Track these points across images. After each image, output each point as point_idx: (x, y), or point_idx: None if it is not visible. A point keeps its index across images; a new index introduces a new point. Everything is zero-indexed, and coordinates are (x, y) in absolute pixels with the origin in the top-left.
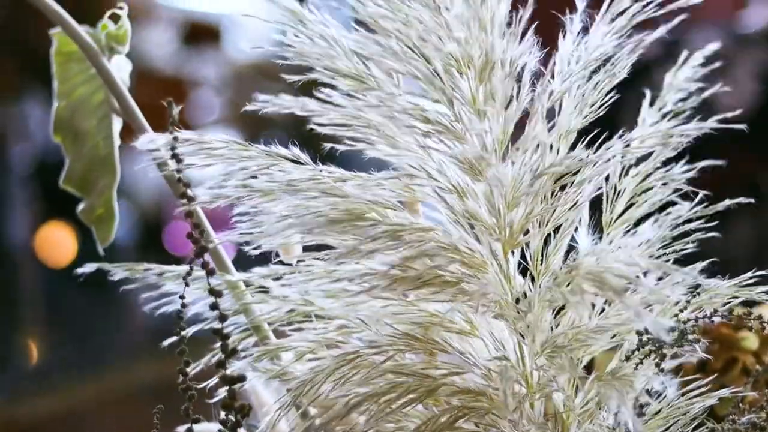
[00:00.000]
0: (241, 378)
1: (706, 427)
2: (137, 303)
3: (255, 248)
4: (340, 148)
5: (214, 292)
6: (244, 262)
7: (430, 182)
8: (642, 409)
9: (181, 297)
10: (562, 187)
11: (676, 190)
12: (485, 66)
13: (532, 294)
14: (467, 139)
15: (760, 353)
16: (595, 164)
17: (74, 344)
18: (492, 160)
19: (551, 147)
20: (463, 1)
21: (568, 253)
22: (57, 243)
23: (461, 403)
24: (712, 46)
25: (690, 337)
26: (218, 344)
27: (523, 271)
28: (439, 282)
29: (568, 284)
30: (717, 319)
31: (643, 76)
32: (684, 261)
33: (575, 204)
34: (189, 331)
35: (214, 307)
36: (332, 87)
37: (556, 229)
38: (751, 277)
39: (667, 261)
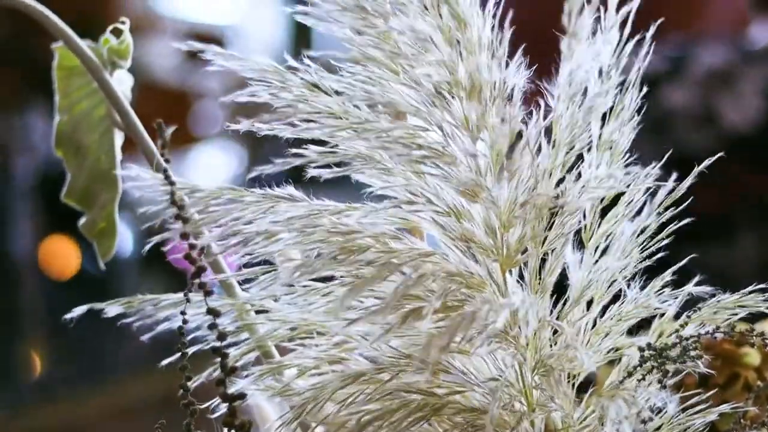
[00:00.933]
0: (241, 396)
1: None
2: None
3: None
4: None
5: (212, 312)
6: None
7: (429, 206)
8: (644, 425)
9: (182, 313)
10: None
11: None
12: (474, 88)
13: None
14: (461, 162)
15: (762, 369)
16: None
17: (77, 357)
18: (486, 183)
19: (547, 170)
20: (449, 24)
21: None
22: (60, 256)
23: (465, 421)
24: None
25: (692, 353)
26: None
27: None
28: (441, 308)
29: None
30: (719, 335)
31: (650, 92)
32: (686, 276)
33: (572, 221)
34: (190, 351)
35: (212, 326)
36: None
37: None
38: (752, 291)
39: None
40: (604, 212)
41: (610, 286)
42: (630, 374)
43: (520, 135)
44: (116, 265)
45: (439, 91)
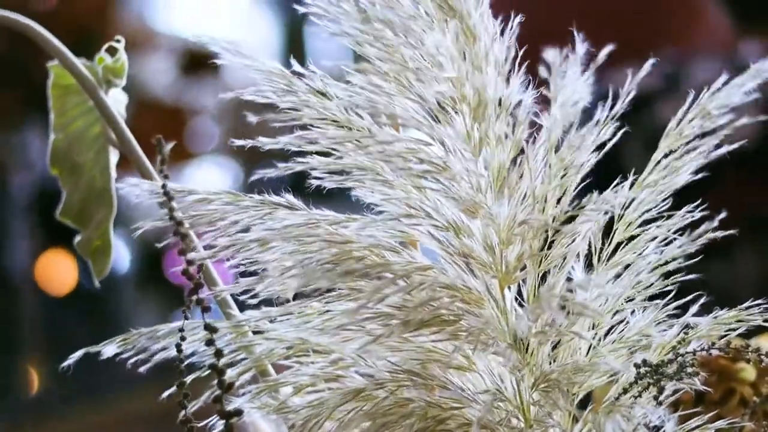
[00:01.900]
0: (238, 413)
1: None
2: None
3: (252, 297)
4: (331, 186)
5: (209, 328)
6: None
7: (427, 221)
8: None
9: (181, 329)
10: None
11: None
12: (479, 105)
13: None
14: (462, 178)
15: (757, 384)
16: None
17: (75, 373)
18: (486, 200)
19: (547, 189)
20: (457, 40)
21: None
22: (57, 271)
23: None
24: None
25: (689, 369)
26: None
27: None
28: (438, 321)
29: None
30: (715, 352)
31: (645, 108)
32: (684, 293)
33: (572, 241)
34: (187, 371)
35: (210, 342)
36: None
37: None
38: (748, 307)
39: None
40: (607, 231)
41: (615, 314)
42: (626, 391)
43: (521, 152)
44: (114, 280)
45: (442, 106)
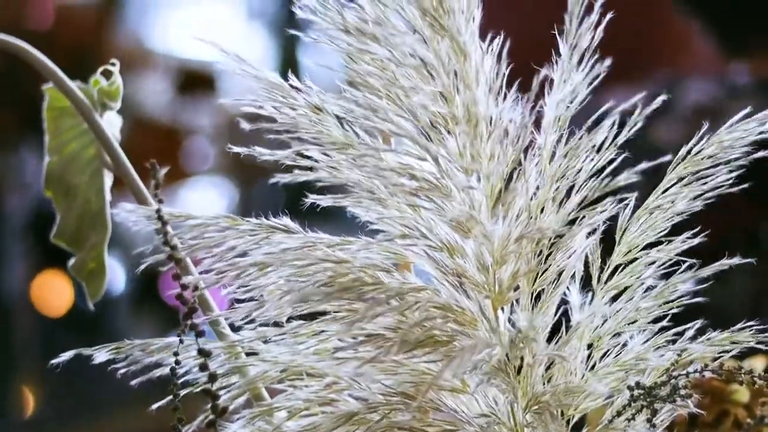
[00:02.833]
0: None
1: None
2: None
3: (249, 322)
4: (327, 204)
5: (203, 353)
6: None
7: (422, 241)
8: None
9: (176, 353)
10: (553, 244)
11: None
12: (470, 122)
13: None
14: (455, 196)
15: (751, 406)
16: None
17: (70, 394)
18: (479, 218)
19: (541, 205)
20: (448, 58)
21: (558, 308)
22: (53, 292)
23: None
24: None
25: (682, 391)
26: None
27: None
28: (432, 342)
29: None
30: (708, 373)
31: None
32: (680, 314)
33: (568, 257)
34: (182, 393)
35: (203, 367)
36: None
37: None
38: (742, 328)
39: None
40: (605, 251)
41: (614, 336)
42: (620, 413)
43: (515, 169)
44: (109, 301)
45: (434, 124)
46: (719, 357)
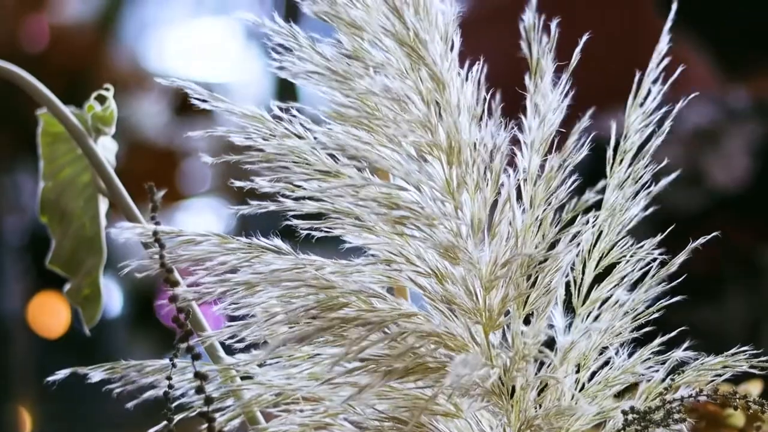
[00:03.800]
0: None
1: None
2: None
3: (239, 341)
4: (317, 234)
5: (199, 376)
6: None
7: (409, 267)
8: None
9: (168, 378)
10: (541, 263)
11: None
12: (452, 150)
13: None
14: (441, 224)
15: (746, 430)
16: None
17: (67, 415)
18: (465, 245)
19: (528, 229)
20: (428, 86)
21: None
22: (50, 314)
23: None
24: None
25: (676, 416)
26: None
27: None
28: (423, 369)
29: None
30: (703, 398)
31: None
32: (675, 338)
33: (551, 285)
34: (177, 417)
35: (199, 390)
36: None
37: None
38: (736, 353)
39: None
40: (596, 278)
41: (601, 353)
42: None
43: (499, 193)
44: (106, 323)
45: (419, 153)
46: (713, 381)
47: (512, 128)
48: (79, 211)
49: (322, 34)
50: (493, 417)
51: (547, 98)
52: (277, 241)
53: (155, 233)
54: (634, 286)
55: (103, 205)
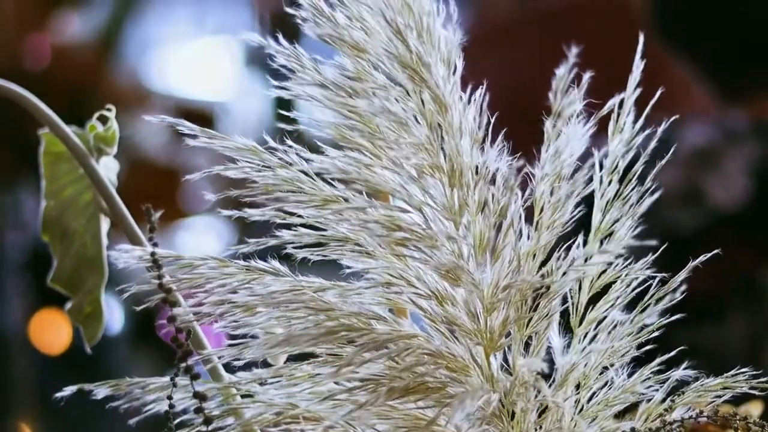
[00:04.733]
0: None
1: None
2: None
3: (238, 360)
4: (314, 258)
5: (199, 396)
6: None
7: (408, 289)
8: None
9: (169, 398)
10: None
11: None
12: (454, 173)
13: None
14: (443, 246)
15: None
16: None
17: (68, 431)
18: (467, 267)
19: (530, 252)
20: (431, 108)
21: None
22: (51, 330)
23: None
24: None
25: None
26: None
27: None
28: (423, 389)
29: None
30: (703, 419)
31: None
32: (676, 357)
33: (552, 309)
34: None
35: (198, 410)
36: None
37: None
38: (737, 373)
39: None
40: (592, 299)
41: (601, 373)
42: None
43: (503, 217)
44: (108, 340)
45: (420, 174)
46: (714, 402)
47: (515, 156)
48: (81, 230)
49: (321, 56)
50: None
51: (566, 134)
52: (275, 264)
53: (153, 254)
54: (634, 306)
55: (105, 224)
